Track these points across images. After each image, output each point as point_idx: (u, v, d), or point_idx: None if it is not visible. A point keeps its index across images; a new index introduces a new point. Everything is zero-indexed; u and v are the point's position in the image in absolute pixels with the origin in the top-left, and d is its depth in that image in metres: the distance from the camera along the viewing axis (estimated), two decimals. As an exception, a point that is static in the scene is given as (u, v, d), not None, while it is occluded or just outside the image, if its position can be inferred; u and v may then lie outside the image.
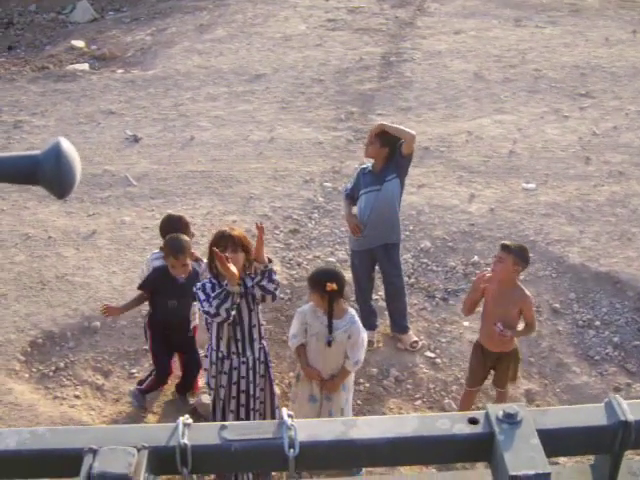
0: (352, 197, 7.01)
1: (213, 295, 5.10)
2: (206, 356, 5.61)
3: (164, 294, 6.28)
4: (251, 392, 5.48)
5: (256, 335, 5.44)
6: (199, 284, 5.32)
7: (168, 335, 6.42)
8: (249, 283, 5.27)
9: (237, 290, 5.11)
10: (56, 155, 1.81)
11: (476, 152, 10.36)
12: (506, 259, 5.75)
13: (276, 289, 5.31)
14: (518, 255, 5.77)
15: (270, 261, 5.27)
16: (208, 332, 5.55)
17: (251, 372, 5.46)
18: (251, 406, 5.50)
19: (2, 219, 9.04)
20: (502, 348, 6.02)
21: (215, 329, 5.37)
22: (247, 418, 5.48)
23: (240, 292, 5.18)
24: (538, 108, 11.57)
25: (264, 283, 5.22)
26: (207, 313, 5.17)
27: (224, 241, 5.17)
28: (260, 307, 5.51)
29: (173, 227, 6.36)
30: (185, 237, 6.22)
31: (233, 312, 5.14)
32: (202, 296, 5.19)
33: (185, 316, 6.39)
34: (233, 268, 5.03)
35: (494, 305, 5.90)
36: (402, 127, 6.92)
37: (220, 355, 5.42)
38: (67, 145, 1.82)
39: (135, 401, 6.60)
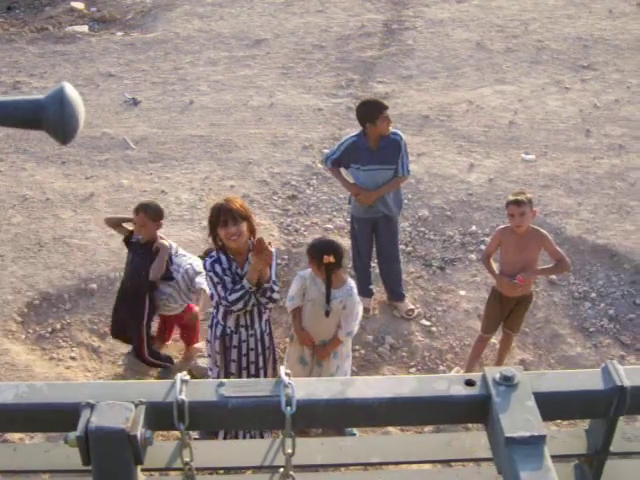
0: (339, 165, 6.91)
1: (236, 297, 5.01)
2: (210, 327, 5.48)
3: None
4: (260, 364, 5.48)
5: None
6: (208, 263, 5.13)
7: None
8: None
9: (254, 288, 5.02)
10: (60, 99, 1.78)
11: (476, 122, 10.33)
12: (525, 209, 5.91)
13: (267, 303, 5.20)
14: (530, 200, 5.98)
15: (274, 282, 5.14)
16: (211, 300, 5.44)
17: (259, 344, 5.42)
18: (260, 377, 5.49)
19: (0, 180, 9.01)
20: (522, 292, 6.18)
21: None
22: None
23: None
24: (539, 79, 11.52)
25: (257, 296, 5.11)
26: (227, 307, 5.11)
27: (224, 215, 4.97)
28: None
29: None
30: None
31: (253, 301, 5.11)
32: (215, 279, 5.08)
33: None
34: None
35: (516, 254, 6.02)
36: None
37: (228, 331, 5.32)
38: (71, 90, 1.79)
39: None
